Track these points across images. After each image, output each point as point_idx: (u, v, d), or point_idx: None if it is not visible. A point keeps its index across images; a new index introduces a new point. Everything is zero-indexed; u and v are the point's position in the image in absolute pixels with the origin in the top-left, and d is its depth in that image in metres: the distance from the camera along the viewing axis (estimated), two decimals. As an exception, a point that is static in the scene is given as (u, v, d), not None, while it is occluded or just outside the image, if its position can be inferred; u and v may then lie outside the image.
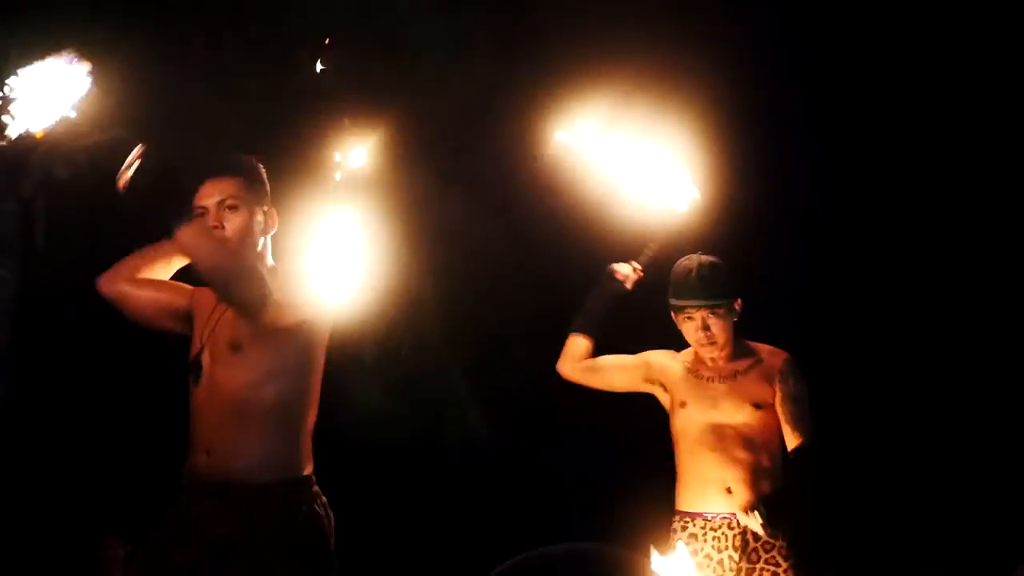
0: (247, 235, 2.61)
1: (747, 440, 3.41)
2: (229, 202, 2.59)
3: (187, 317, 2.65)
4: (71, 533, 6.16)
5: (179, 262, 2.68)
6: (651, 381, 3.59)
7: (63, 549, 6.16)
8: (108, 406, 6.15)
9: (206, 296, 2.64)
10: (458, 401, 6.29)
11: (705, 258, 3.50)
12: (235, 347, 2.49)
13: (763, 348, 3.54)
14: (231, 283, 2.46)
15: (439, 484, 6.52)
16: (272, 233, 2.71)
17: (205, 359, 2.53)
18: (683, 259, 3.53)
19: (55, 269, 4.81)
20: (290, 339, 2.52)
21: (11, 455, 5.75)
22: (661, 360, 3.61)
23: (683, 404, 3.49)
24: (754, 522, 3.22)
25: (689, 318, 3.48)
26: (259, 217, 2.65)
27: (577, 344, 3.61)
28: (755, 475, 3.40)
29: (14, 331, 5.48)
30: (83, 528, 6.04)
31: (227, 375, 2.48)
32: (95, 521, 6.00)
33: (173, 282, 2.69)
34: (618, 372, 3.61)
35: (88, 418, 6.42)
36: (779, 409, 3.42)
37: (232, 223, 2.58)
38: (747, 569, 3.32)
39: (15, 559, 6.00)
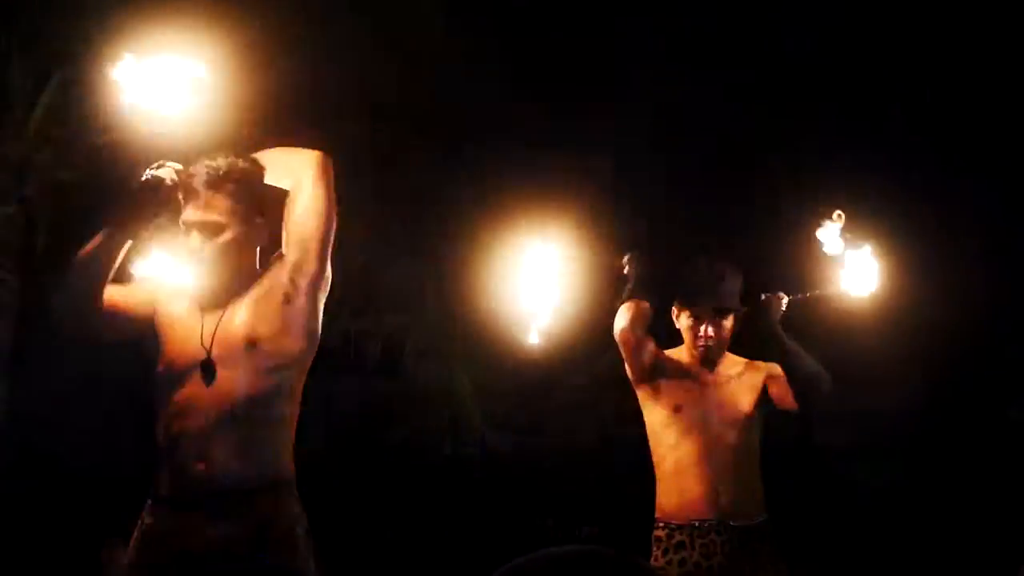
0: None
1: (740, 446, 3.39)
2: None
3: (151, 321, 2.49)
4: (71, 533, 6.16)
5: (123, 247, 2.45)
6: (653, 374, 3.47)
7: (63, 549, 6.15)
8: (109, 406, 6.15)
9: (187, 299, 2.50)
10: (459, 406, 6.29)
11: (723, 262, 3.45)
12: (250, 344, 2.41)
13: (744, 359, 3.50)
14: None
15: (432, 488, 6.52)
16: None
17: (215, 359, 2.39)
18: (699, 258, 3.47)
19: (55, 270, 4.80)
20: (297, 338, 2.46)
21: (11, 455, 5.75)
22: (668, 358, 3.52)
23: (677, 408, 3.42)
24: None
25: (695, 317, 3.44)
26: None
27: (646, 312, 3.42)
28: (746, 481, 3.39)
29: (16, 332, 5.49)
30: (83, 528, 6.03)
31: (236, 375, 2.39)
32: (95, 521, 6.00)
33: (135, 291, 2.52)
34: (649, 354, 3.46)
35: (89, 418, 6.42)
36: (789, 378, 3.37)
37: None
38: (736, 573, 3.29)
39: (15, 559, 5.99)
